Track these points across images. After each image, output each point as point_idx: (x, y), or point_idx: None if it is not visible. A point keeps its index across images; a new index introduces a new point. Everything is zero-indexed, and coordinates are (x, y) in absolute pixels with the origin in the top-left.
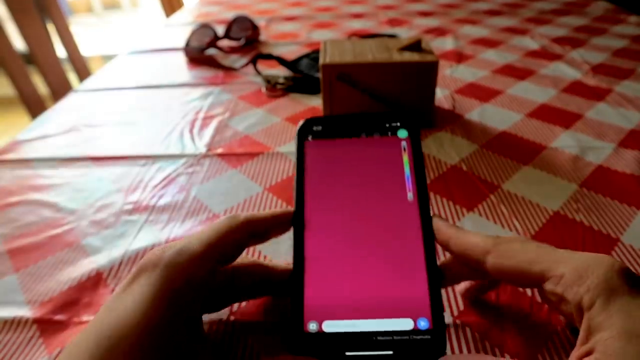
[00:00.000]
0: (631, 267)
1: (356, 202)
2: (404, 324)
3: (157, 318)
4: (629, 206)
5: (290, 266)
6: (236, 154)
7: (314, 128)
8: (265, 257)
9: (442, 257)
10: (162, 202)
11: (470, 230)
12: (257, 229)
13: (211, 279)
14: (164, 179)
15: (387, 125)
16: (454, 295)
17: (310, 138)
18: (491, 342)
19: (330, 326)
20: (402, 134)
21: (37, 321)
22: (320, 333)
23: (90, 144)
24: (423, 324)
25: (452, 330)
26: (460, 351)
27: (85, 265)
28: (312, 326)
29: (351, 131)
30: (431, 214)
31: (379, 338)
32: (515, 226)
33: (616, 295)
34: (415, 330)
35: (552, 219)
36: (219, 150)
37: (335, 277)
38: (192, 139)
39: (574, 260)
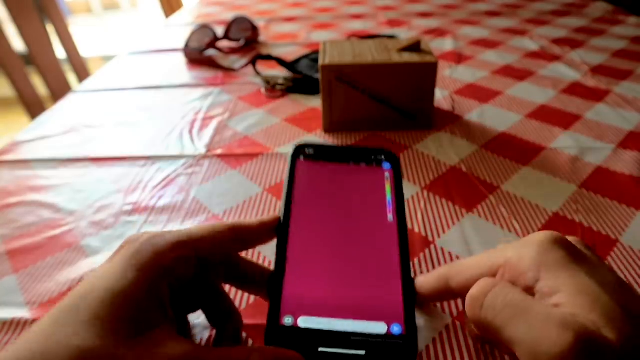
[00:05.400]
0: (631, 268)
1: (339, 218)
2: (378, 328)
3: (125, 284)
4: (628, 207)
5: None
6: (235, 155)
7: (307, 151)
8: (264, 258)
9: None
10: (161, 202)
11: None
12: (242, 234)
13: (183, 265)
14: (164, 179)
15: (373, 157)
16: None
17: (302, 158)
18: (490, 342)
19: (305, 322)
20: (387, 166)
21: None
22: (295, 327)
23: (90, 144)
24: (396, 329)
25: (452, 331)
26: (460, 351)
27: (85, 266)
28: (288, 320)
29: (340, 158)
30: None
31: (352, 338)
32: (515, 227)
33: (558, 266)
34: (389, 335)
35: (552, 219)
36: (219, 151)
37: (314, 279)
38: (192, 139)
39: (514, 247)
